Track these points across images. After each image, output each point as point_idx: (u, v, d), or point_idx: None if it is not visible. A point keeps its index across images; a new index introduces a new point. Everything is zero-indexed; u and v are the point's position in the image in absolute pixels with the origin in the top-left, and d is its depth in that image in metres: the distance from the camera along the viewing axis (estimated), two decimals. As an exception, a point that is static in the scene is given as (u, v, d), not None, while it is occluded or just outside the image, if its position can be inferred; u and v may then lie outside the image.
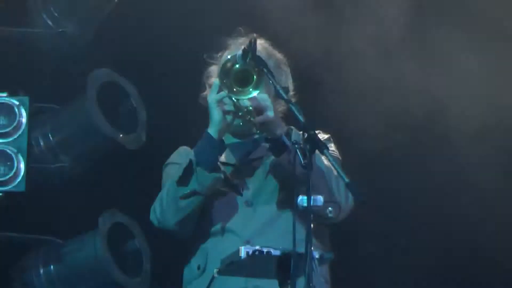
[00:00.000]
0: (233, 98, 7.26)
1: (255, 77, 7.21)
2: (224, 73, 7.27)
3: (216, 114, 7.30)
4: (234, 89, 7.23)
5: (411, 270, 11.27)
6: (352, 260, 10.49)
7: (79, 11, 10.41)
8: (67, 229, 10.10)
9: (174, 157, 7.83)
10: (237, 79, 7.27)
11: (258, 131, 7.39)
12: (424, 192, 11.19)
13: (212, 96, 7.26)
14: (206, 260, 7.42)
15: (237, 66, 7.25)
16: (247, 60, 7.18)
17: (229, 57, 7.33)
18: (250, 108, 7.22)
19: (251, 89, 7.23)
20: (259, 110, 7.21)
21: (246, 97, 7.25)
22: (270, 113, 7.16)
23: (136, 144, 10.04)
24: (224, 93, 7.24)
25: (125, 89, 10.27)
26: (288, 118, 7.51)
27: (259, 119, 7.20)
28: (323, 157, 6.96)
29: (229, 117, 7.26)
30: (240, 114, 7.32)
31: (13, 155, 9.41)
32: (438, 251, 11.34)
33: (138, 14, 10.77)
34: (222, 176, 7.36)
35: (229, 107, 7.32)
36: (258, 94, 7.22)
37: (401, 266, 11.27)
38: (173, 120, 10.29)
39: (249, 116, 7.28)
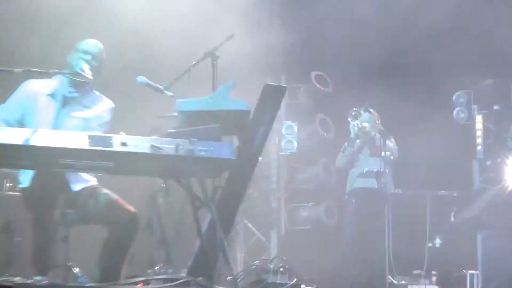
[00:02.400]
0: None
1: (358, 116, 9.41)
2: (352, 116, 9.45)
3: (352, 131, 9.69)
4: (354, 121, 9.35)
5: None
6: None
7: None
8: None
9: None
10: (353, 117, 9.51)
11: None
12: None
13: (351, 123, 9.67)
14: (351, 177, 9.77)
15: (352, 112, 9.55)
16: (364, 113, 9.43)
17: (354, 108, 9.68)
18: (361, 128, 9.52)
19: (356, 122, 9.50)
20: (364, 128, 9.47)
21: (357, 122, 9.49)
22: (368, 129, 9.50)
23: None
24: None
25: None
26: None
27: (364, 132, 9.52)
28: (388, 141, 9.17)
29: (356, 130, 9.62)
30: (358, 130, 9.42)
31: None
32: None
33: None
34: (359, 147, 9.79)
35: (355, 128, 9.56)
36: (363, 123, 9.50)
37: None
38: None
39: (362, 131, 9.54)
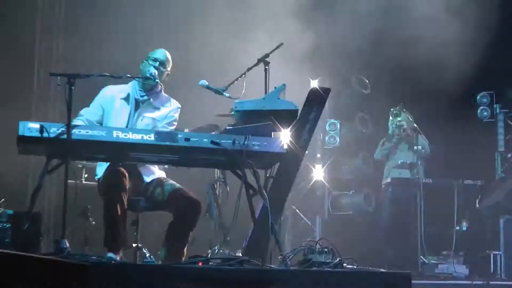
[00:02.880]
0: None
1: (398, 114, 9.51)
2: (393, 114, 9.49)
3: (390, 128, 9.69)
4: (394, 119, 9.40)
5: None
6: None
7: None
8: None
9: None
10: (394, 115, 9.60)
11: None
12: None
13: (391, 121, 9.61)
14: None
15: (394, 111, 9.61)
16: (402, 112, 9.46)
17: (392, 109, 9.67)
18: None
19: (398, 118, 9.57)
20: (402, 126, 9.47)
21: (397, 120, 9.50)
22: (405, 126, 9.52)
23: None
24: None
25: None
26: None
27: (401, 130, 9.52)
28: (420, 138, 9.07)
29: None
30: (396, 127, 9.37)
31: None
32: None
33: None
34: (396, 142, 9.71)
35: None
36: (401, 121, 9.59)
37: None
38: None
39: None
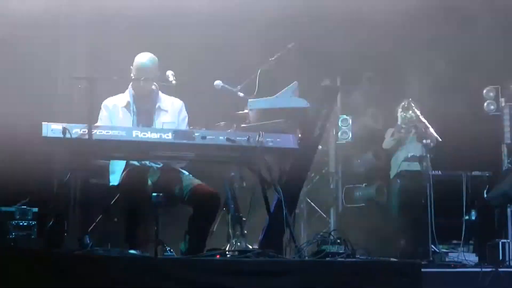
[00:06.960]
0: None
1: (407, 108, 9.59)
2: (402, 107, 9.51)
3: (400, 119, 9.70)
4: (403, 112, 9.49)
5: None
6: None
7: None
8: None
9: None
10: (402, 108, 9.59)
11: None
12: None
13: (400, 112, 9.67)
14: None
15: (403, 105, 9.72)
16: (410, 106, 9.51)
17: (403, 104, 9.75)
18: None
19: (409, 112, 9.54)
20: (411, 118, 9.46)
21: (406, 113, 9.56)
22: (414, 118, 9.44)
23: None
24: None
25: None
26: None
27: (410, 122, 9.50)
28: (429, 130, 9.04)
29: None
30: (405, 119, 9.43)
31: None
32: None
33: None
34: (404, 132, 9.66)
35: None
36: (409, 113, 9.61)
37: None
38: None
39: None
